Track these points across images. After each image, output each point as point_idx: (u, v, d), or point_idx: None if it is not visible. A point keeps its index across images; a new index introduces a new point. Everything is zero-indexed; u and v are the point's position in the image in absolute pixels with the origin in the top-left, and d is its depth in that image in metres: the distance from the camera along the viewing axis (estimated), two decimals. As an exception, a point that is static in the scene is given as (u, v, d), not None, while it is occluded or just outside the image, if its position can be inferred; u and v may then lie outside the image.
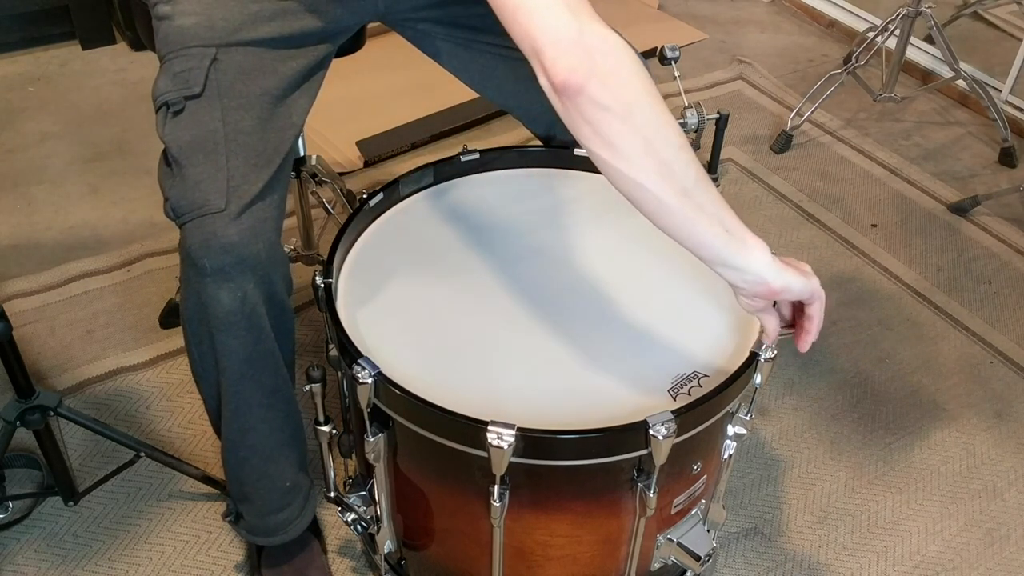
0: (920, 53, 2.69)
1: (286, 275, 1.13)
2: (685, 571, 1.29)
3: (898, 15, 2.29)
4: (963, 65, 2.37)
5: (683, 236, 0.94)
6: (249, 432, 1.20)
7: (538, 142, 1.44)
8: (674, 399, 1.04)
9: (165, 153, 1.11)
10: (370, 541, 1.27)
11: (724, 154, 2.28)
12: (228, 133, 1.10)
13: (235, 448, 1.22)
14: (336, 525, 1.44)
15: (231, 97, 1.12)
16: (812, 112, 2.37)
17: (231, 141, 1.10)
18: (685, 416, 0.99)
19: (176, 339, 1.75)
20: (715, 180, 2.15)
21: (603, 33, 0.89)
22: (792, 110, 2.39)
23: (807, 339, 1.02)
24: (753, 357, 1.06)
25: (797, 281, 0.97)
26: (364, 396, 1.04)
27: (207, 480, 1.46)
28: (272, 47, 1.17)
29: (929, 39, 2.64)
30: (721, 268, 0.96)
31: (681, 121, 2.01)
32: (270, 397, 1.18)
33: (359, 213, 1.23)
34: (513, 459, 0.98)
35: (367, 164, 2.22)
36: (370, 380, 1.02)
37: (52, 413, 1.30)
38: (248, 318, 1.09)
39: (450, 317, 1.14)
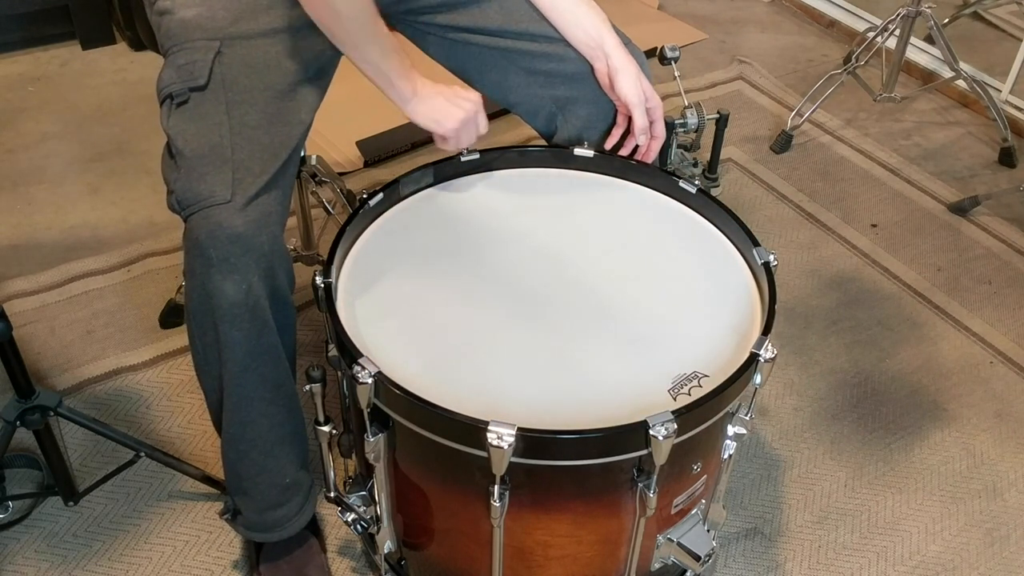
0: (920, 53, 2.69)
1: (289, 270, 1.14)
2: (685, 571, 1.29)
3: (898, 15, 2.29)
4: (963, 65, 2.37)
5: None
6: (250, 426, 1.20)
7: (538, 142, 1.44)
8: (674, 399, 1.04)
9: (168, 146, 1.11)
10: (370, 541, 1.28)
11: (724, 154, 2.28)
12: (233, 126, 1.10)
13: (235, 442, 1.22)
14: (336, 525, 1.44)
15: (236, 91, 1.12)
16: (812, 112, 2.37)
17: (236, 135, 1.10)
18: (685, 416, 0.99)
19: (176, 339, 1.75)
20: (715, 180, 2.16)
21: None
22: (792, 110, 2.39)
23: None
24: (753, 357, 1.06)
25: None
26: (364, 396, 1.04)
27: (207, 480, 1.46)
28: (274, 40, 1.18)
29: (929, 39, 2.63)
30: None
31: (681, 121, 2.01)
32: (272, 391, 1.18)
33: (359, 213, 1.23)
34: (513, 459, 0.98)
35: (367, 164, 2.22)
36: (370, 380, 1.02)
37: (52, 413, 1.30)
38: (252, 310, 1.09)
39: (450, 317, 1.14)
